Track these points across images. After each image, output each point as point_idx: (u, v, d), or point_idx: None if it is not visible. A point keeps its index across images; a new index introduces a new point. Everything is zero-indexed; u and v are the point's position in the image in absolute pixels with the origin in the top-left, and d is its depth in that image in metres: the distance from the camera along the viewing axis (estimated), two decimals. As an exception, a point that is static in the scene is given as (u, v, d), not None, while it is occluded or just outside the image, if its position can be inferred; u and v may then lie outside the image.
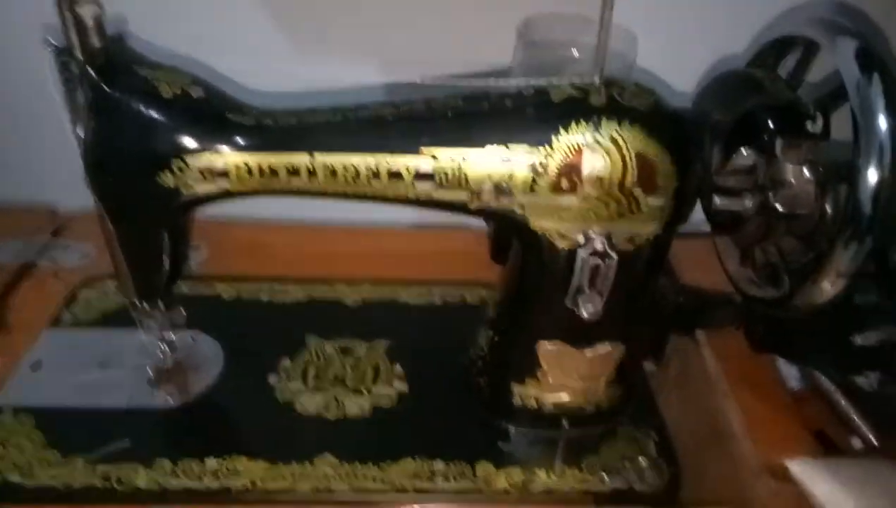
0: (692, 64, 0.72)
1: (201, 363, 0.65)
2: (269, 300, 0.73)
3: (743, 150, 0.47)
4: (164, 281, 0.56)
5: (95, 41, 0.46)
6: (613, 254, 0.48)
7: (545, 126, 0.46)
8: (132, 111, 0.46)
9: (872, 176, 0.43)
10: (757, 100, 0.47)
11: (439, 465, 0.56)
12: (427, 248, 0.84)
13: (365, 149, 0.48)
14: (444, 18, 0.73)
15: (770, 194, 0.46)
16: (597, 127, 0.46)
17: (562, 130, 0.46)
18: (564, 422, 0.58)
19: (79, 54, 0.46)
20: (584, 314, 0.50)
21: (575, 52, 0.64)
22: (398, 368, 0.66)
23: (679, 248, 0.57)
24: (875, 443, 0.57)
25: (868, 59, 0.44)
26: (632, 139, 0.46)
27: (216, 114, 0.48)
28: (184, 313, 0.62)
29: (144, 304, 0.57)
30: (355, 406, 0.61)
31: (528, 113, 0.47)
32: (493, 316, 0.60)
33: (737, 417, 0.62)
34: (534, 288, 0.53)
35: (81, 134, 0.47)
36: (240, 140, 0.48)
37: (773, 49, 0.53)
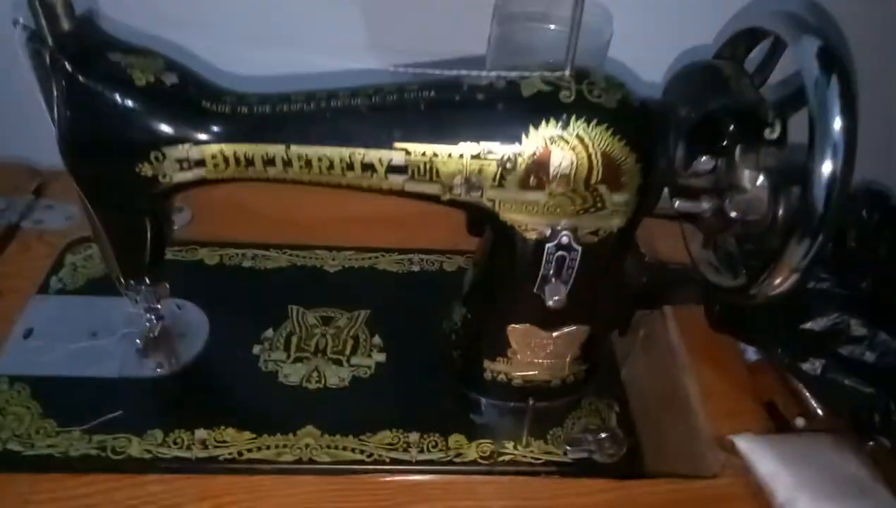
0: (665, 47, 0.72)
1: (187, 331, 0.68)
2: (252, 266, 0.75)
3: (703, 158, 0.48)
4: (148, 260, 0.58)
5: (65, 24, 0.46)
6: (578, 247, 0.50)
7: (515, 123, 0.47)
8: (106, 100, 0.47)
9: (825, 174, 0.44)
10: (719, 103, 0.48)
11: (414, 436, 0.60)
12: (411, 211, 0.85)
13: (338, 142, 0.48)
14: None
15: (726, 199, 0.47)
16: (565, 125, 0.47)
17: (531, 128, 0.47)
18: (531, 396, 0.62)
19: (49, 40, 0.46)
20: (549, 303, 0.52)
21: (552, 26, 0.64)
22: (377, 339, 0.68)
23: (649, 223, 0.59)
24: (820, 413, 0.61)
25: (828, 60, 0.45)
26: (598, 138, 0.47)
27: (191, 102, 0.49)
28: (168, 287, 0.64)
29: (129, 282, 0.59)
30: (335, 376, 0.64)
31: (499, 108, 0.48)
32: (467, 292, 0.62)
33: (694, 389, 0.66)
34: (504, 274, 0.55)
35: (56, 117, 0.47)
36: (215, 129, 0.49)
37: (743, 39, 0.53)
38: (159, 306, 0.65)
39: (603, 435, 0.59)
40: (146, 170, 0.48)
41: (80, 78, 0.46)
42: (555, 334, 0.58)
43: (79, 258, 0.74)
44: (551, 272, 0.52)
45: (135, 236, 0.55)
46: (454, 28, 0.70)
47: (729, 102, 0.48)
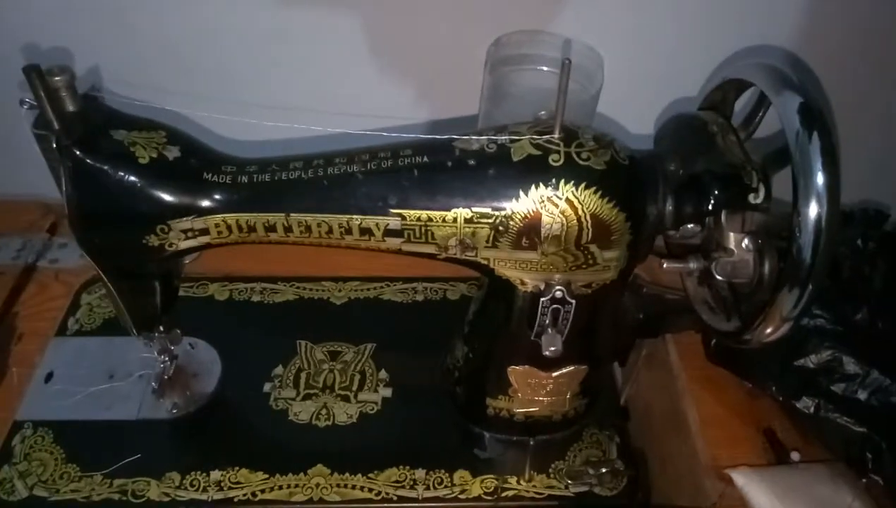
0: (654, 92, 0.73)
1: (200, 370, 0.71)
2: (261, 300, 0.78)
3: (690, 225, 0.49)
4: (159, 314, 0.60)
5: (69, 105, 0.48)
6: (572, 300, 0.52)
7: (506, 187, 0.48)
8: (111, 179, 0.48)
9: (811, 228, 0.45)
10: (705, 166, 0.49)
11: (420, 473, 0.62)
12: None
13: (336, 209, 0.50)
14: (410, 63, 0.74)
15: (713, 262, 0.48)
16: (554, 188, 0.48)
17: (521, 193, 0.48)
18: (533, 430, 0.64)
19: (54, 123, 0.47)
20: (546, 353, 0.54)
21: (544, 68, 0.65)
22: (382, 373, 0.71)
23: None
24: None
25: (809, 116, 0.45)
26: (587, 200, 0.48)
27: (193, 175, 0.50)
28: (179, 334, 0.66)
29: (142, 334, 0.62)
30: (343, 413, 0.67)
31: (490, 173, 0.49)
32: (468, 332, 0.64)
33: (692, 416, 0.67)
34: (502, 321, 0.57)
35: (64, 193, 0.49)
36: (217, 199, 0.51)
37: (729, 89, 0.54)
38: (172, 348, 0.68)
39: (603, 470, 0.61)
40: (153, 240, 0.50)
41: (87, 159, 0.48)
42: (554, 374, 0.59)
43: (94, 297, 0.77)
44: (547, 322, 0.53)
45: (145, 296, 0.57)
46: (447, 88, 0.72)
47: (715, 167, 0.49)
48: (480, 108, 0.66)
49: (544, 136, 0.49)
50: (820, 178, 0.45)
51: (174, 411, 0.66)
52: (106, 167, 0.48)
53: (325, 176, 0.50)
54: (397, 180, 0.50)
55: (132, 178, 0.49)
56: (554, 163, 0.48)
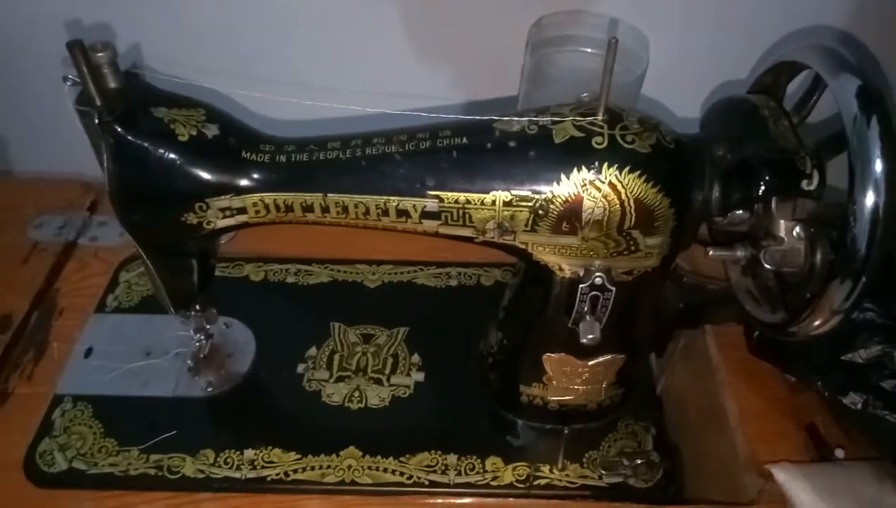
0: (700, 77, 0.70)
1: (235, 350, 0.71)
2: (295, 282, 0.78)
3: (738, 211, 0.47)
4: (196, 292, 0.61)
5: (111, 82, 0.49)
6: (612, 287, 0.51)
7: (547, 170, 0.47)
8: (152, 156, 0.49)
9: (867, 217, 0.43)
10: (756, 150, 0.47)
11: (452, 458, 0.62)
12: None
13: (373, 190, 0.50)
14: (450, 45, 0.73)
15: (761, 251, 0.47)
16: (597, 172, 0.47)
17: (563, 176, 0.47)
18: (567, 419, 0.63)
19: (97, 99, 0.48)
20: (584, 341, 0.52)
21: (588, 50, 0.63)
22: (415, 357, 0.70)
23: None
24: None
25: (867, 99, 0.43)
26: (631, 185, 0.47)
27: (232, 153, 0.50)
28: (215, 313, 0.67)
29: (179, 312, 0.62)
30: (376, 396, 0.67)
31: (531, 155, 0.48)
32: (503, 318, 0.63)
33: (732, 410, 0.66)
34: (538, 308, 0.56)
35: (106, 170, 0.50)
36: (255, 178, 0.50)
37: (781, 72, 0.52)
38: (208, 326, 0.69)
39: (639, 461, 0.60)
40: (191, 218, 0.51)
41: (127, 136, 0.48)
42: (590, 363, 0.58)
43: (133, 275, 0.78)
44: (585, 310, 0.52)
45: (183, 274, 0.58)
46: (487, 69, 0.70)
47: (766, 152, 0.47)
48: (520, 90, 0.65)
49: (587, 118, 0.48)
50: (878, 165, 0.43)
51: (209, 389, 0.67)
52: (146, 144, 0.48)
53: (363, 156, 0.50)
54: (435, 161, 0.49)
55: (171, 156, 0.49)
56: (597, 146, 0.47)
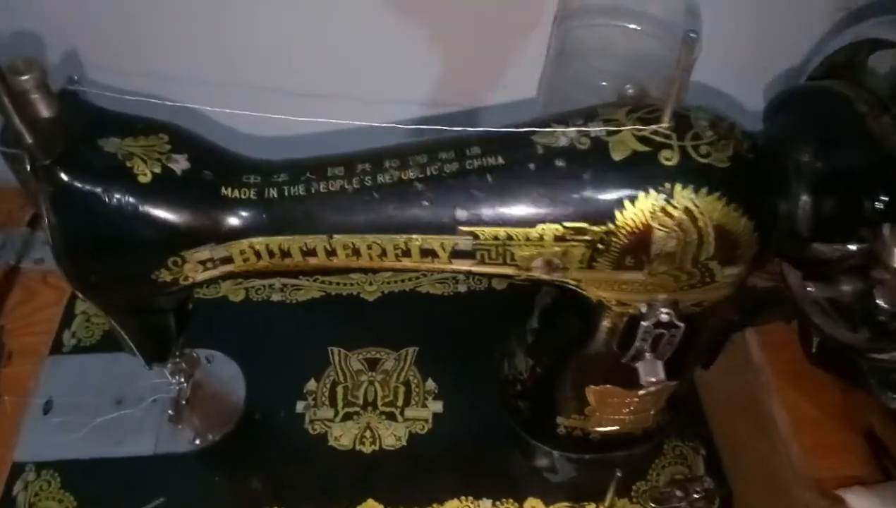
0: (761, 54, 0.59)
1: (221, 388, 0.62)
2: (282, 300, 0.68)
3: (851, 247, 0.39)
4: (174, 343, 0.51)
5: (42, 111, 0.37)
6: (680, 324, 0.43)
7: (606, 197, 0.38)
8: (106, 206, 0.38)
9: None
10: (857, 156, 0.39)
11: (486, 504, 0.55)
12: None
13: (391, 228, 0.40)
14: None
15: (874, 286, 0.39)
16: (669, 197, 0.38)
17: (626, 203, 0.38)
18: (610, 448, 0.56)
19: (26, 136, 0.36)
20: (644, 382, 0.45)
21: (631, 25, 0.52)
22: (430, 383, 0.62)
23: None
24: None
25: None
26: (709, 209, 0.38)
27: (209, 192, 0.40)
28: (196, 357, 0.57)
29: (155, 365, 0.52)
30: (390, 435, 0.59)
31: (585, 179, 0.39)
32: (533, 343, 0.55)
33: (782, 417, 0.60)
34: (582, 339, 0.48)
35: (46, 224, 0.39)
36: (241, 220, 0.40)
37: (860, 50, 0.43)
38: (185, 367, 0.59)
39: (696, 494, 0.54)
40: (164, 275, 0.40)
41: (72, 182, 0.37)
42: (640, 392, 0.51)
43: (90, 305, 0.67)
44: (646, 348, 0.45)
45: (157, 328, 0.48)
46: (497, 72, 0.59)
47: (868, 158, 0.39)
48: (544, 72, 0.55)
49: (650, 127, 0.39)
50: None
51: (197, 441, 0.58)
52: (97, 189, 0.38)
53: (375, 186, 0.40)
54: (466, 189, 0.40)
55: (132, 202, 0.38)
56: (666, 162, 0.38)
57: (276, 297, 0.68)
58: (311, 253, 0.41)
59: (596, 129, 0.39)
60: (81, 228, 0.38)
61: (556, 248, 0.40)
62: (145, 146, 0.39)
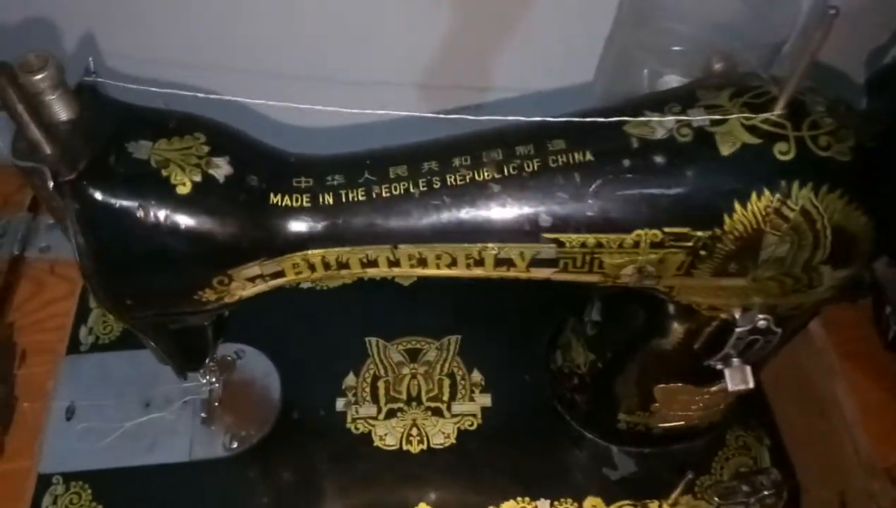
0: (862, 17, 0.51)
1: (255, 386, 0.58)
2: (312, 286, 0.64)
3: None
4: (210, 352, 0.47)
5: (61, 113, 0.32)
6: (777, 330, 0.39)
7: (713, 198, 0.34)
8: (141, 223, 0.33)
9: None
10: None
11: (545, 505, 0.52)
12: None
13: (463, 236, 0.35)
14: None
15: None
16: (785, 195, 0.33)
17: (736, 204, 0.34)
18: (672, 441, 0.53)
19: (45, 146, 0.31)
20: (730, 387, 0.42)
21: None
22: (475, 374, 0.59)
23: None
24: None
25: None
26: (829, 209, 0.34)
27: (257, 200, 0.35)
28: (231, 359, 0.53)
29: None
30: (438, 433, 0.55)
31: (688, 177, 0.34)
32: (593, 335, 0.52)
33: (848, 401, 0.57)
34: (656, 338, 0.44)
35: (75, 247, 0.34)
36: (295, 232, 0.36)
37: None
38: (217, 359, 0.55)
39: (766, 492, 0.51)
40: (208, 295, 0.36)
41: (102, 199, 0.32)
42: (712, 389, 0.48)
43: (105, 298, 0.62)
44: (736, 353, 0.41)
45: (194, 343, 0.43)
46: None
47: None
48: (610, 39, 0.48)
49: (760, 115, 0.34)
50: None
51: (234, 445, 0.54)
52: (131, 204, 0.33)
53: (445, 189, 0.35)
54: (550, 190, 0.35)
55: (171, 217, 0.33)
56: (782, 157, 0.33)
57: (305, 284, 0.64)
58: (373, 263, 0.37)
59: (698, 118, 0.34)
60: (115, 248, 0.34)
61: (652, 255, 0.35)
62: (181, 149, 0.34)
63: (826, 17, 0.30)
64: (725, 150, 0.34)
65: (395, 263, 0.37)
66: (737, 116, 0.34)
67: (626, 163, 0.34)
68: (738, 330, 0.39)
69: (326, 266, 0.37)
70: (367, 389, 0.58)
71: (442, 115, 0.35)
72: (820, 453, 0.58)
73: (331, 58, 0.52)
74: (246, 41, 0.50)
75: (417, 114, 0.35)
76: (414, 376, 0.58)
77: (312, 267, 0.37)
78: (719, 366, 0.42)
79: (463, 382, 0.58)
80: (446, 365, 0.59)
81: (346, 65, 0.52)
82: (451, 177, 0.35)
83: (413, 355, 0.60)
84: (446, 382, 0.58)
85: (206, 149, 0.34)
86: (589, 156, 0.35)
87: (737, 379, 0.41)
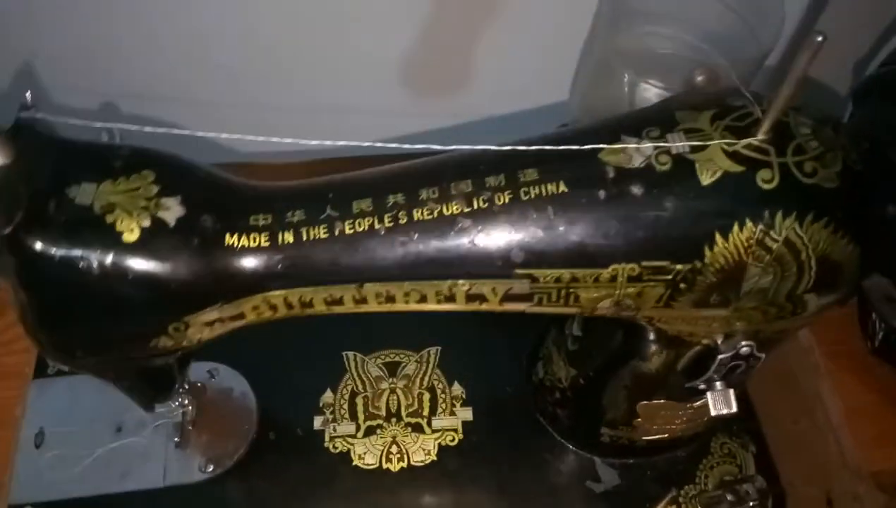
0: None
1: (230, 406, 0.56)
2: (286, 298, 0.62)
3: None
4: (178, 384, 0.45)
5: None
6: (761, 356, 0.38)
7: (693, 230, 0.32)
8: (86, 275, 0.31)
9: None
10: None
11: (530, 524, 0.51)
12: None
13: (433, 273, 0.34)
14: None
15: None
16: (768, 228, 0.32)
17: (717, 238, 0.32)
18: (656, 451, 0.52)
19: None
20: (713, 412, 0.40)
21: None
22: (456, 387, 0.57)
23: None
24: None
25: None
26: (814, 239, 0.32)
27: (211, 242, 0.33)
28: (203, 387, 0.51)
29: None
30: (419, 450, 0.54)
31: (667, 208, 0.32)
32: (575, 351, 0.50)
33: (833, 402, 0.57)
34: (637, 359, 0.43)
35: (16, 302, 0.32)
36: (253, 273, 0.34)
37: None
38: (187, 386, 0.53)
39: (752, 503, 0.51)
40: (164, 342, 0.34)
41: (40, 251, 0.30)
42: (696, 404, 0.47)
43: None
44: (718, 378, 0.40)
45: (158, 379, 0.42)
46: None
47: None
48: (588, 41, 0.46)
49: (743, 139, 0.32)
50: None
51: (209, 468, 0.53)
52: (74, 254, 0.30)
53: (412, 224, 0.33)
54: (523, 224, 0.33)
55: (118, 266, 0.31)
56: (765, 185, 0.32)
57: (278, 296, 0.62)
58: (338, 302, 0.35)
59: (677, 144, 0.33)
60: (59, 302, 0.31)
61: (630, 289, 0.34)
62: (128, 191, 0.31)
63: (813, 44, 0.28)
64: (706, 179, 0.32)
65: (361, 301, 0.35)
66: (718, 143, 0.32)
67: (602, 194, 0.33)
68: (720, 356, 0.38)
69: (289, 306, 0.35)
70: (346, 406, 0.56)
71: (407, 145, 0.33)
72: (805, 453, 0.57)
73: (296, 83, 0.49)
74: (203, 67, 0.47)
75: (381, 144, 0.33)
76: (393, 390, 0.57)
77: (274, 308, 0.35)
78: (702, 387, 0.41)
79: (443, 396, 0.57)
80: (426, 378, 0.58)
81: (311, 90, 0.49)
82: (417, 212, 0.33)
83: (392, 369, 0.58)
84: (426, 396, 0.57)
85: (155, 189, 0.32)
86: (563, 188, 0.33)
87: (720, 403, 0.40)
